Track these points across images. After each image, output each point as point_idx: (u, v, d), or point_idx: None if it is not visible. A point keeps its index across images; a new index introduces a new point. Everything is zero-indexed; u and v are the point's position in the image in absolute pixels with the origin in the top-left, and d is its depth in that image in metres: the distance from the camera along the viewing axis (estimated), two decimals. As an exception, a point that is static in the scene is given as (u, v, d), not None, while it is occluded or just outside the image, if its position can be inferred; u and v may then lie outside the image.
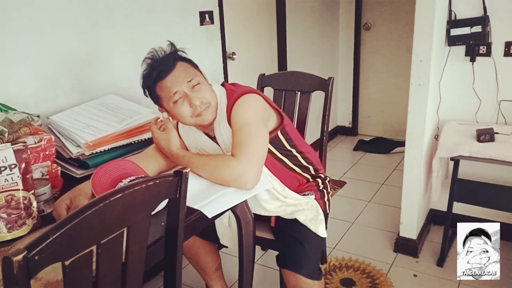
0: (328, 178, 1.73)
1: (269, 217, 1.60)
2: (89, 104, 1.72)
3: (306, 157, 1.63)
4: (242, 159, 1.29)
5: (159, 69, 1.35)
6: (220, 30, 2.54)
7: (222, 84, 1.52)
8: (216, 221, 1.67)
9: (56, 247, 0.71)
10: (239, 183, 1.27)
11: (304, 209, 1.54)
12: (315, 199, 1.60)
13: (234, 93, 1.44)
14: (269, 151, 1.47)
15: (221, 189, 1.28)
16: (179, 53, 1.41)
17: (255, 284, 1.66)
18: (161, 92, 1.37)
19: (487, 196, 2.16)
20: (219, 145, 1.47)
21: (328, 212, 1.67)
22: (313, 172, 1.67)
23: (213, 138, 1.48)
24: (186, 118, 1.39)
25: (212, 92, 1.41)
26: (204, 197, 1.24)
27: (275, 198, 1.53)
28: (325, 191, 1.67)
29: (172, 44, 1.40)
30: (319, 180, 1.68)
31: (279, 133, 1.52)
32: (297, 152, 1.60)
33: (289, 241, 1.54)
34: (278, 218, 1.59)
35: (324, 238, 1.58)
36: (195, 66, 1.43)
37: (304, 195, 1.60)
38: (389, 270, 2.27)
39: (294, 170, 1.61)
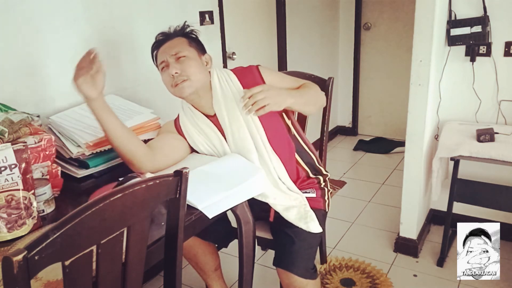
0: (328, 175, 1.73)
1: (269, 214, 1.59)
2: (89, 104, 1.72)
3: (307, 144, 1.66)
4: (310, 82, 1.61)
5: (159, 39, 1.54)
6: (220, 30, 2.54)
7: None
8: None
9: (56, 247, 0.71)
10: (324, 97, 1.65)
11: (294, 207, 1.53)
12: (316, 197, 1.60)
13: (243, 70, 1.60)
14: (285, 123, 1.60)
15: (228, 189, 1.29)
16: (187, 30, 1.55)
17: (255, 284, 1.66)
18: (156, 61, 1.55)
19: (487, 196, 2.16)
20: (216, 126, 1.52)
21: (327, 210, 1.67)
22: (314, 163, 1.67)
23: (212, 117, 1.54)
24: (168, 87, 1.52)
25: (198, 69, 1.49)
26: (211, 194, 1.25)
27: (269, 173, 1.52)
28: (325, 189, 1.67)
29: (184, 24, 1.57)
30: (321, 178, 1.68)
31: (284, 115, 1.59)
32: (299, 136, 1.64)
33: (283, 238, 1.54)
34: (276, 214, 1.58)
35: (319, 234, 1.56)
36: (192, 44, 1.53)
37: (306, 192, 1.60)
38: (389, 270, 2.27)
39: (296, 160, 1.61)
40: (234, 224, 1.71)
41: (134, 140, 1.41)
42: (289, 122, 1.61)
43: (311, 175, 1.66)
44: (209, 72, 1.56)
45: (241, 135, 1.51)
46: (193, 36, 1.57)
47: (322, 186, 1.66)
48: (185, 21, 1.57)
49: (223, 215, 1.65)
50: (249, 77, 1.55)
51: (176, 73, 1.46)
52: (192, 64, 1.47)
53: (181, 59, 1.47)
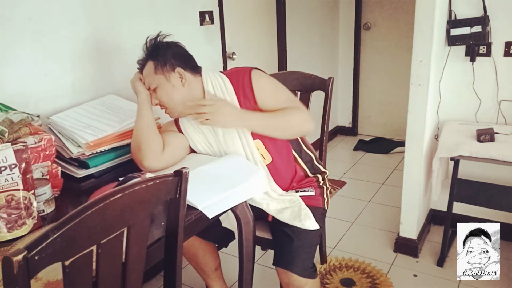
0: (327, 173, 1.73)
1: (267, 214, 1.59)
2: (89, 104, 1.72)
3: (306, 144, 1.65)
4: (301, 108, 1.53)
5: (138, 68, 1.57)
6: (220, 30, 2.54)
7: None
8: None
9: (56, 247, 0.71)
10: (307, 128, 1.51)
11: (287, 208, 1.53)
12: (314, 195, 1.60)
13: (237, 74, 1.56)
14: None
15: (228, 189, 1.29)
16: (152, 49, 1.52)
17: (255, 284, 1.66)
18: None
19: (487, 196, 2.16)
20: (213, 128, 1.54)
21: (326, 208, 1.67)
22: (313, 161, 1.67)
23: None
24: None
25: (171, 95, 1.50)
26: (211, 194, 1.25)
27: None
28: (324, 187, 1.67)
29: (146, 42, 1.55)
30: (319, 176, 1.68)
31: None
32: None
33: (282, 237, 1.54)
34: None
35: (318, 233, 1.56)
36: (158, 68, 1.49)
37: (304, 191, 1.60)
38: (389, 270, 2.27)
39: (295, 158, 1.61)
40: (226, 224, 1.71)
41: (157, 135, 1.49)
42: None
43: (309, 174, 1.66)
44: (188, 84, 1.51)
45: (231, 144, 1.52)
46: (159, 54, 1.50)
47: (321, 184, 1.66)
48: (147, 37, 1.54)
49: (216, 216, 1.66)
50: (239, 81, 1.54)
51: (156, 104, 1.53)
52: (163, 93, 1.50)
53: (155, 90, 1.51)
